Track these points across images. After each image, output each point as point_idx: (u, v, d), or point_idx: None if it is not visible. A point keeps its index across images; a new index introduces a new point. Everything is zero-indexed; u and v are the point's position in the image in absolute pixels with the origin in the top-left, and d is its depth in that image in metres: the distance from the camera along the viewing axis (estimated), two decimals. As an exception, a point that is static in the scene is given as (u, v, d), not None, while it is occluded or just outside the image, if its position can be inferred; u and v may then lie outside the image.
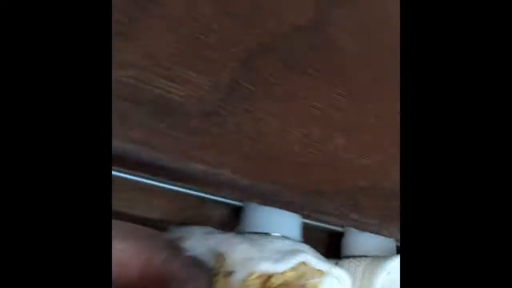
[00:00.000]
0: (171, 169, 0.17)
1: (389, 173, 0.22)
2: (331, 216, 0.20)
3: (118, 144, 0.15)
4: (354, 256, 0.23)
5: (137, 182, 0.20)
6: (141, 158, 0.16)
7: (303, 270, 0.21)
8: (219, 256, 0.20)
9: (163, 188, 0.20)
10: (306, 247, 0.22)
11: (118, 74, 0.16)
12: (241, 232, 0.22)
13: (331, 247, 0.26)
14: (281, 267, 0.20)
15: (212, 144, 0.17)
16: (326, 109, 0.21)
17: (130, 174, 0.19)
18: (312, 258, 0.21)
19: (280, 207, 0.19)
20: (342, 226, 0.25)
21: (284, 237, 0.21)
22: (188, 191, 0.21)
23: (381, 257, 0.24)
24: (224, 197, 0.21)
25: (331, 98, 0.21)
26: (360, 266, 0.23)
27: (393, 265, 0.22)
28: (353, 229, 0.25)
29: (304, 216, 0.20)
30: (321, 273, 0.21)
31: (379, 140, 0.22)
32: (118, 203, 0.21)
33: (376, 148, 0.22)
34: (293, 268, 0.20)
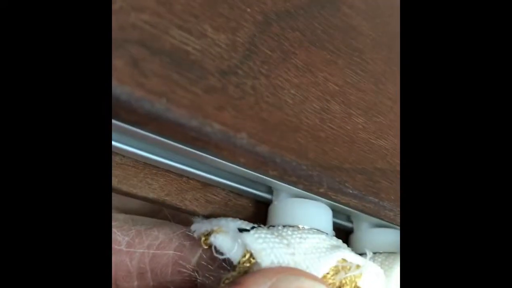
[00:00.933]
0: (186, 127, 0.15)
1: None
2: (349, 197, 0.18)
3: (127, 90, 0.14)
4: (365, 254, 0.21)
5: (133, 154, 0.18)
6: (154, 110, 0.14)
7: (342, 265, 0.19)
8: (249, 255, 0.18)
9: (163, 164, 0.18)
10: (340, 241, 0.20)
11: (131, 17, 0.14)
12: (272, 225, 0.20)
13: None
14: (321, 270, 0.18)
15: (229, 105, 0.16)
16: (343, 85, 0.19)
17: (126, 144, 0.17)
18: (350, 253, 0.19)
19: (296, 183, 0.18)
20: (351, 222, 0.23)
21: (318, 231, 0.19)
22: (191, 169, 0.19)
23: (395, 253, 0.22)
24: (230, 180, 0.19)
25: (348, 76, 0.20)
26: (375, 262, 0.21)
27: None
28: (362, 225, 0.23)
29: (321, 195, 0.18)
30: (358, 267, 0.19)
31: (395, 124, 0.21)
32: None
33: (392, 131, 0.21)
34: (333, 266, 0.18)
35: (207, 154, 0.16)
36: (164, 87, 0.14)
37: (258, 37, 0.17)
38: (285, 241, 0.19)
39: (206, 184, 0.20)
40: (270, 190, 0.21)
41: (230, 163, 0.17)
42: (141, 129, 0.15)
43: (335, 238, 0.20)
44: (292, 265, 0.18)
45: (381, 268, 0.21)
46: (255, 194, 0.21)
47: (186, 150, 0.17)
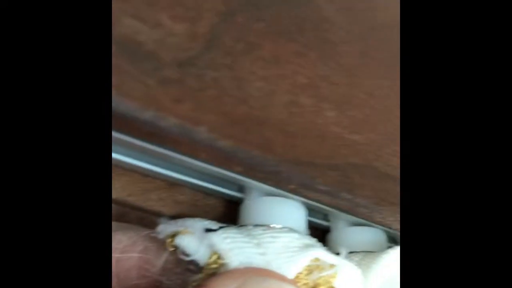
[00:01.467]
0: (141, 121, 0.14)
1: (381, 153, 0.20)
2: (321, 193, 0.18)
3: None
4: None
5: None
6: (103, 102, 0.13)
7: (315, 265, 0.18)
8: (216, 256, 0.17)
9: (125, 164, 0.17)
10: (314, 240, 0.19)
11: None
12: (243, 225, 0.19)
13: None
14: (293, 270, 0.17)
15: (188, 97, 0.15)
16: (314, 78, 0.19)
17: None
18: (323, 252, 0.18)
19: (263, 180, 0.17)
20: (328, 220, 0.22)
21: (290, 230, 0.19)
22: (155, 168, 0.18)
23: (373, 252, 0.21)
24: (197, 177, 0.19)
25: (320, 69, 0.19)
26: (352, 262, 0.20)
27: (390, 259, 0.20)
28: (339, 223, 0.22)
29: (291, 192, 0.17)
30: (332, 267, 0.18)
31: (370, 118, 0.20)
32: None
33: (367, 126, 0.20)
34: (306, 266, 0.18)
35: (165, 149, 0.15)
36: (113, 78, 0.13)
37: (220, 28, 0.17)
38: (255, 241, 0.18)
39: (173, 184, 0.19)
40: (241, 189, 0.20)
41: (190, 158, 0.16)
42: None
43: (308, 236, 0.19)
44: (262, 265, 0.17)
45: (359, 267, 0.20)
46: (225, 193, 0.20)
47: (149, 149, 0.16)
